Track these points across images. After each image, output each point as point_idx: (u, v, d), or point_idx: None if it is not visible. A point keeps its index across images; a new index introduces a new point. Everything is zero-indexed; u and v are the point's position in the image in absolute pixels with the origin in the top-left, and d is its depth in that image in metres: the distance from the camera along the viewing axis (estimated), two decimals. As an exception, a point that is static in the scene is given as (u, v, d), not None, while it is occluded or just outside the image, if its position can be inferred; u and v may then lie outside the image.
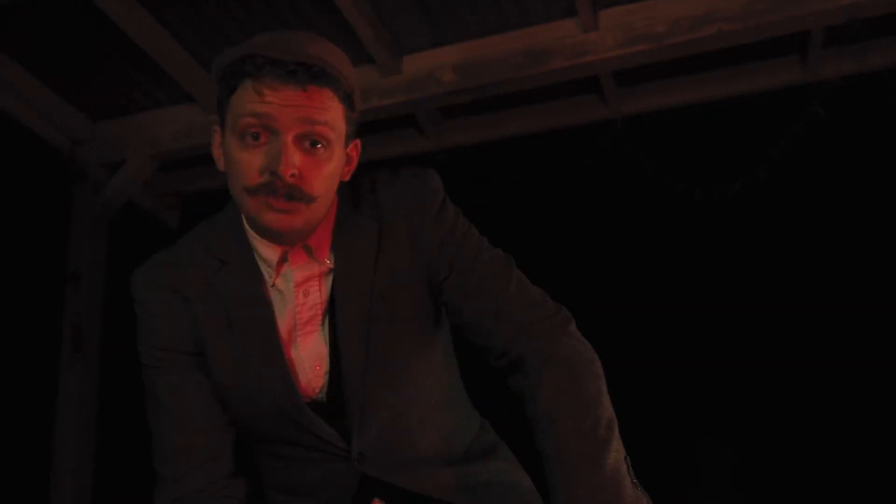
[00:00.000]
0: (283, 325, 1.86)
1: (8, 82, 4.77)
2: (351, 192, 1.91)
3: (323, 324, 1.86)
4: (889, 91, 4.44)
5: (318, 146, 1.72)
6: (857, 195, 4.80)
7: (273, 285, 1.85)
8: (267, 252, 1.84)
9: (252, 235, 1.85)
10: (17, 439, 4.87)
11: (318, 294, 1.86)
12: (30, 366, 5.01)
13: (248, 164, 1.71)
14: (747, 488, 4.86)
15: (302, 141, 1.70)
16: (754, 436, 4.88)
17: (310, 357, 1.86)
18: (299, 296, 1.85)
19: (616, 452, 1.69)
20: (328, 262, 1.86)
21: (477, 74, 4.58)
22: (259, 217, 1.73)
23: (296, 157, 1.69)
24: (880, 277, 4.72)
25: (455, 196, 1.99)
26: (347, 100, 1.77)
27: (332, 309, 1.85)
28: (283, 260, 1.84)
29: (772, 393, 4.83)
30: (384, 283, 1.86)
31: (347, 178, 1.87)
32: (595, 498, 1.62)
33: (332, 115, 1.72)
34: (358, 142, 1.87)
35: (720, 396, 4.86)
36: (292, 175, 1.68)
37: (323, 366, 1.86)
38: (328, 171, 1.75)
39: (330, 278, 1.86)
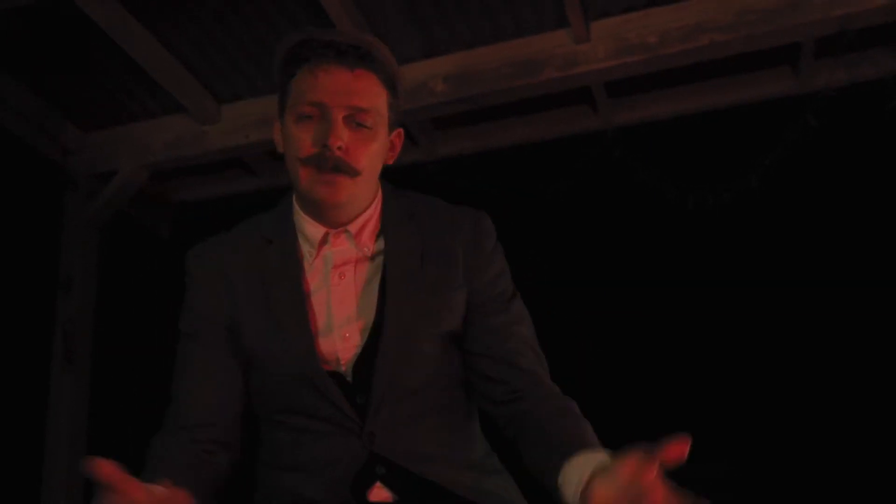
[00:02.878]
0: (316, 299, 1.99)
1: (0, 92, 4.76)
2: (401, 197, 2.12)
3: (366, 301, 1.98)
4: (881, 101, 4.45)
5: (364, 127, 1.93)
6: (848, 204, 4.81)
7: (312, 264, 2.01)
8: (311, 231, 2.02)
9: (300, 216, 2.04)
10: (8, 446, 4.86)
11: (352, 277, 2.00)
12: (21, 373, 5.01)
13: (303, 138, 1.93)
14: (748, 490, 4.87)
15: (349, 120, 1.92)
16: (746, 441, 4.88)
17: (342, 329, 1.96)
18: (335, 277, 2.00)
19: None
20: (367, 250, 2.02)
21: (469, 85, 4.58)
22: (309, 187, 1.93)
23: (343, 133, 1.91)
24: (873, 285, 4.73)
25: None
26: (391, 87, 1.99)
27: (382, 290, 1.98)
28: (324, 241, 2.01)
29: (764, 399, 4.83)
30: (429, 279, 2.00)
31: (391, 162, 2.07)
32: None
33: (377, 98, 1.95)
34: (401, 130, 2.08)
35: (713, 403, 4.85)
36: (339, 147, 1.89)
37: (354, 339, 1.95)
38: (372, 149, 1.95)
39: (365, 265, 2.01)
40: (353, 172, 1.91)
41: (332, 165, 1.89)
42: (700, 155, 4.97)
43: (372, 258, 2.01)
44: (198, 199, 5.81)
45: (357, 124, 1.92)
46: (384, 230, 2.04)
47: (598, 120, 5.10)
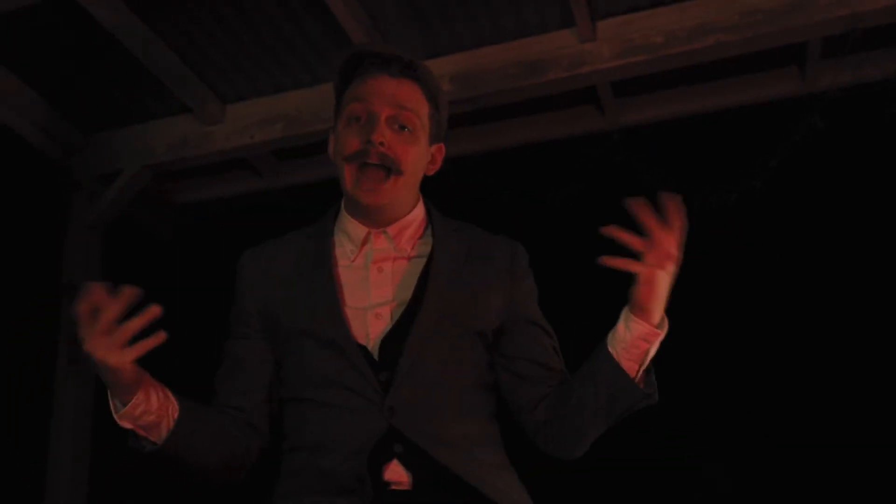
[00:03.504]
0: (354, 284, 2.11)
1: (3, 94, 4.76)
2: (445, 216, 2.25)
3: (405, 285, 2.09)
4: (887, 102, 4.43)
5: (406, 129, 2.10)
6: (854, 205, 4.79)
7: (353, 261, 2.14)
8: (355, 231, 2.15)
9: (345, 217, 2.19)
10: (13, 451, 4.85)
11: (390, 270, 2.11)
12: (25, 376, 5.00)
13: (350, 137, 2.09)
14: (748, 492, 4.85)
15: (392, 122, 2.08)
16: (745, 441, 4.87)
17: (374, 310, 2.06)
18: (374, 270, 2.11)
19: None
20: (406, 252, 2.14)
21: (473, 85, 4.57)
22: (354, 191, 2.08)
23: (387, 133, 2.06)
24: (878, 286, 4.72)
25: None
26: (433, 101, 2.17)
27: (426, 272, 2.10)
28: (366, 241, 2.14)
29: (770, 400, 4.82)
30: (471, 278, 2.12)
31: (431, 174, 2.23)
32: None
33: (419, 106, 2.13)
34: (441, 145, 2.24)
35: (718, 404, 4.84)
36: (381, 143, 2.04)
37: (386, 316, 2.06)
38: (414, 152, 2.11)
39: (403, 263, 2.13)
40: (396, 168, 2.06)
41: (377, 160, 2.04)
42: (705, 156, 4.96)
43: (410, 259, 2.14)
44: (201, 200, 5.79)
45: (400, 126, 2.09)
46: (432, 233, 2.18)
47: (603, 120, 5.09)
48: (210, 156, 5.07)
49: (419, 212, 2.20)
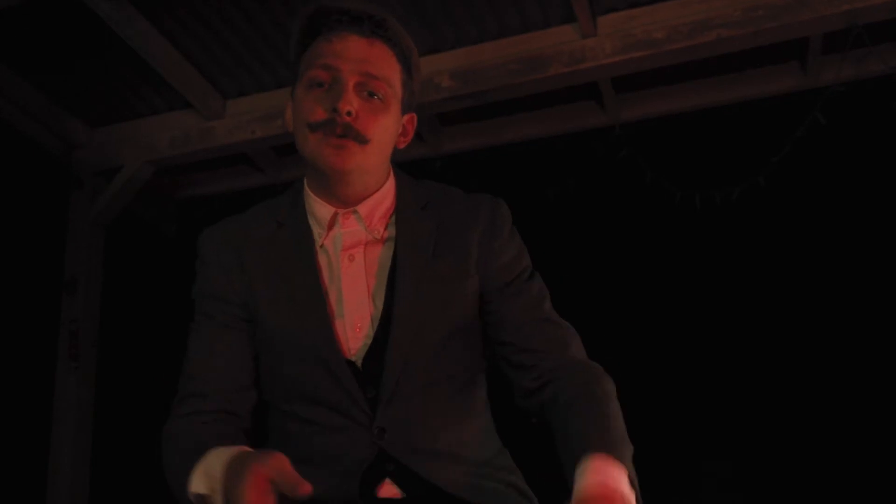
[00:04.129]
0: (330, 283, 1.95)
1: (4, 89, 4.76)
2: (415, 184, 2.09)
3: (376, 289, 1.94)
4: (889, 97, 4.43)
5: (375, 97, 1.90)
6: (857, 201, 4.78)
7: (322, 245, 1.98)
8: (321, 211, 1.98)
9: (310, 197, 2.01)
10: (14, 447, 4.85)
11: (361, 260, 1.95)
12: (26, 372, 5.00)
13: (313, 104, 1.89)
14: (745, 493, 4.85)
15: (361, 89, 1.88)
16: (752, 440, 4.86)
17: (352, 317, 1.92)
18: (345, 259, 1.96)
19: (630, 461, 1.68)
20: (377, 234, 1.98)
21: (475, 81, 4.57)
22: (317, 152, 1.89)
23: (354, 100, 1.86)
24: (881, 283, 4.71)
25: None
26: (406, 64, 1.97)
27: (392, 276, 1.94)
28: (333, 223, 1.98)
29: (771, 398, 4.81)
30: (441, 270, 1.95)
31: (402, 147, 2.03)
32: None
33: (390, 71, 1.93)
34: (414, 115, 2.05)
35: (719, 402, 4.84)
36: (348, 113, 1.85)
37: (364, 329, 1.91)
38: (383, 121, 1.91)
39: (376, 248, 1.97)
40: (362, 140, 1.87)
41: (341, 132, 1.85)
42: (707, 151, 4.95)
43: (385, 242, 1.98)
44: (203, 195, 5.81)
45: (369, 93, 1.89)
46: (397, 216, 2.00)
47: (604, 116, 5.08)
48: (212, 151, 5.07)
49: (390, 186, 2.03)
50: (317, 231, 1.98)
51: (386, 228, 1.99)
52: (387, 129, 1.92)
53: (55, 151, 5.17)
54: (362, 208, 1.97)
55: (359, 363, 1.89)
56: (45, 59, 4.72)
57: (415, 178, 2.13)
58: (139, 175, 5.14)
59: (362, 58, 1.88)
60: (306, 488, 1.47)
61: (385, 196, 2.01)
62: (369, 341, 1.90)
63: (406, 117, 2.02)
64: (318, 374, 1.89)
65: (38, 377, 4.98)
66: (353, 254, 1.96)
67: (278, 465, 1.51)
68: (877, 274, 4.73)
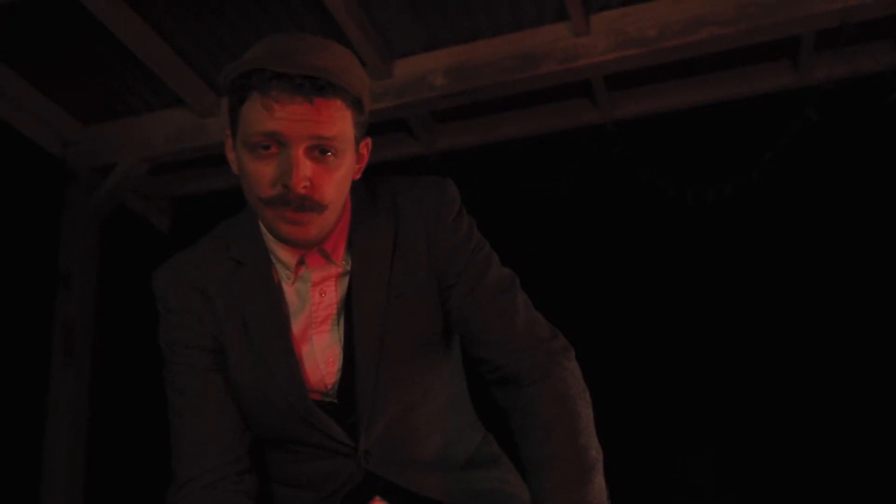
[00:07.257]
0: (299, 323, 1.88)
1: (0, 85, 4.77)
2: (368, 194, 1.95)
3: (338, 322, 1.88)
4: (881, 95, 4.45)
5: (328, 154, 1.73)
6: (849, 198, 4.81)
7: (291, 285, 1.88)
8: (285, 255, 1.87)
9: (270, 239, 1.88)
10: (8, 443, 4.86)
11: (333, 293, 1.88)
12: (21, 369, 5.00)
13: (261, 175, 1.74)
14: (742, 493, 4.87)
15: (312, 150, 1.72)
16: (746, 438, 4.88)
17: (324, 354, 1.87)
18: (315, 295, 1.88)
19: (602, 479, 1.72)
20: (346, 264, 1.88)
21: (469, 78, 4.58)
22: (275, 227, 1.77)
23: (307, 168, 1.71)
24: (875, 279, 4.73)
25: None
26: (356, 105, 1.78)
27: (349, 307, 1.87)
28: (300, 263, 1.87)
29: (765, 395, 4.83)
30: (399, 283, 1.88)
31: (359, 177, 1.90)
32: None
33: (341, 125, 1.74)
34: (369, 140, 1.90)
35: (712, 399, 4.86)
36: (304, 187, 1.70)
37: (336, 362, 1.87)
38: (339, 177, 1.77)
39: (346, 279, 1.89)
40: (321, 209, 1.74)
41: (297, 205, 1.72)
42: (699, 148, 4.97)
43: (347, 272, 1.90)
44: (198, 192, 5.82)
45: (321, 152, 1.72)
46: (351, 241, 1.89)
47: (597, 114, 5.10)
48: (206, 148, 5.07)
49: (348, 213, 1.90)
50: (283, 272, 1.89)
51: (349, 257, 1.90)
52: (344, 181, 1.80)
53: (50, 148, 5.16)
54: (328, 245, 1.87)
55: (335, 395, 1.87)
56: (40, 56, 4.72)
57: (366, 181, 1.99)
58: (134, 171, 5.14)
59: (309, 119, 1.69)
60: None
61: (345, 224, 1.90)
62: (340, 375, 1.87)
63: (361, 145, 1.86)
64: (293, 421, 1.86)
65: (33, 372, 4.98)
66: (323, 289, 1.89)
67: None
68: (869, 270, 4.75)
